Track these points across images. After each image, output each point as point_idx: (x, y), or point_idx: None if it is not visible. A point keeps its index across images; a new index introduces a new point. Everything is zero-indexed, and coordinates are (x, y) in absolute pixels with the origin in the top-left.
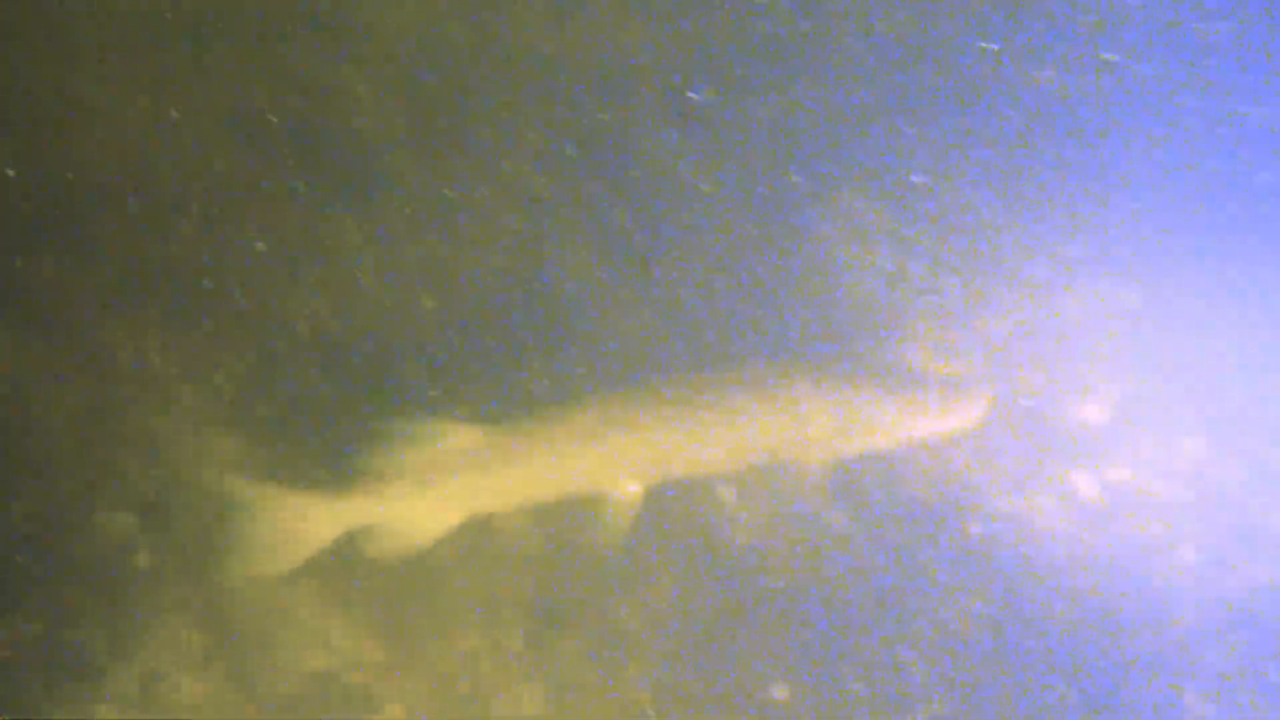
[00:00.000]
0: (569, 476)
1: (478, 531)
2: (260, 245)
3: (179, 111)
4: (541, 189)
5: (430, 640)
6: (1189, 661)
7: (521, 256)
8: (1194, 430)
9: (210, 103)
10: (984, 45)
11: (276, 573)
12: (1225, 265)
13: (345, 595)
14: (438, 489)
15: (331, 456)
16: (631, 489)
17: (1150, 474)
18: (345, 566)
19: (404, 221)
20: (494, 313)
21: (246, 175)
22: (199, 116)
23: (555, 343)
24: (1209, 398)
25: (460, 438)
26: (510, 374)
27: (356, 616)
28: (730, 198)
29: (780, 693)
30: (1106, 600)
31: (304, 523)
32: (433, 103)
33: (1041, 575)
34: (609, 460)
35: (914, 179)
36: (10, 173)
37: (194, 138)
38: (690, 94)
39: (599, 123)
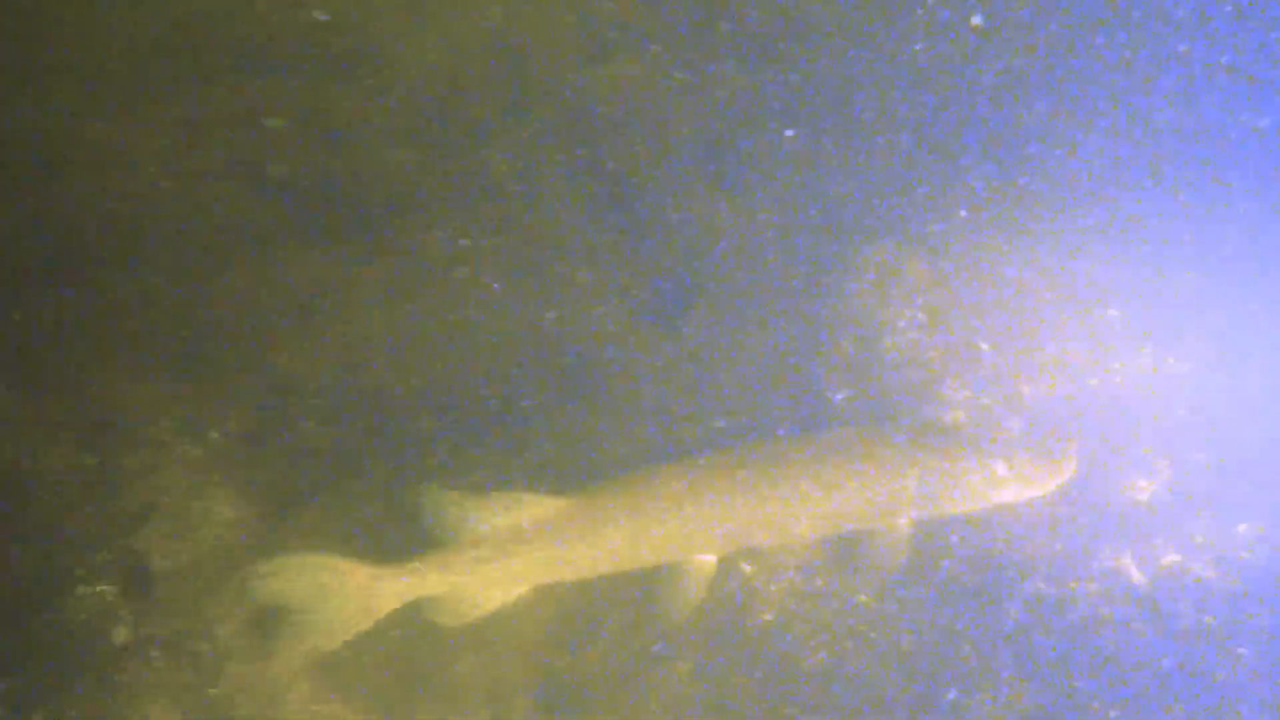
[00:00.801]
0: (644, 548)
1: (537, 603)
2: (279, 301)
3: (190, 161)
4: (568, 239)
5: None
6: None
7: (548, 310)
8: (1248, 514)
9: (223, 150)
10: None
11: (337, 646)
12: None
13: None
14: (509, 560)
15: (399, 526)
16: (706, 559)
17: (1202, 560)
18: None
19: (419, 275)
20: (531, 376)
21: (257, 226)
22: (210, 163)
23: (599, 401)
24: (1264, 478)
25: (537, 508)
26: (580, 440)
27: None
28: (763, 249)
29: None
30: (1158, 701)
31: (371, 597)
32: (454, 148)
33: (1084, 667)
34: (685, 531)
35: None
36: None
37: (205, 185)
38: (723, 152)
39: (629, 172)
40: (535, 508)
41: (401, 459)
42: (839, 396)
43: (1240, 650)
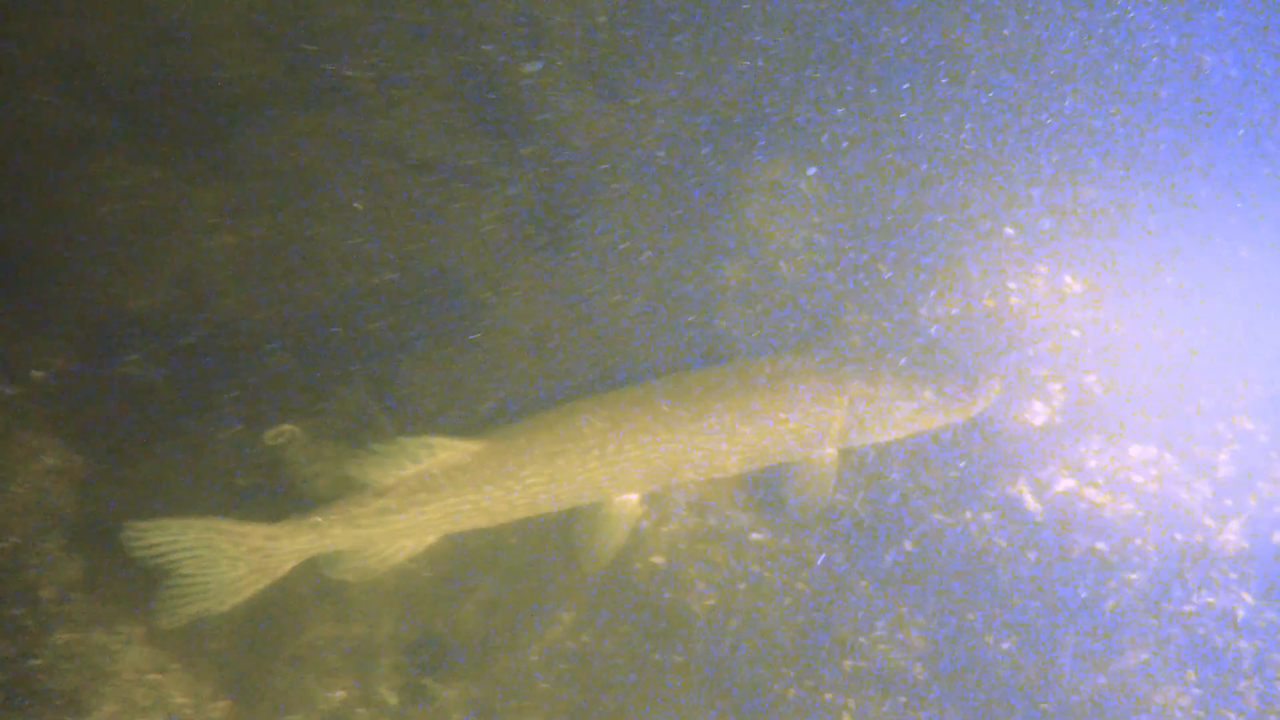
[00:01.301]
0: (564, 491)
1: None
2: (107, 222)
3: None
4: (438, 153)
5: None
6: (1136, 703)
7: (415, 230)
8: (1141, 437)
9: (41, 47)
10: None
11: (228, 609)
12: (1183, 257)
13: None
14: (419, 509)
15: (255, 477)
16: (629, 499)
17: (1095, 485)
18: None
19: (267, 194)
20: (397, 307)
21: (80, 135)
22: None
23: (474, 333)
24: (1157, 400)
25: (449, 452)
26: (452, 376)
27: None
28: (654, 163)
29: None
30: (1049, 631)
31: (267, 557)
32: (305, 53)
33: (980, 600)
34: (608, 472)
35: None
36: None
37: (16, 85)
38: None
39: (506, 77)
40: (447, 452)
41: (254, 401)
42: (735, 323)
43: (1131, 576)
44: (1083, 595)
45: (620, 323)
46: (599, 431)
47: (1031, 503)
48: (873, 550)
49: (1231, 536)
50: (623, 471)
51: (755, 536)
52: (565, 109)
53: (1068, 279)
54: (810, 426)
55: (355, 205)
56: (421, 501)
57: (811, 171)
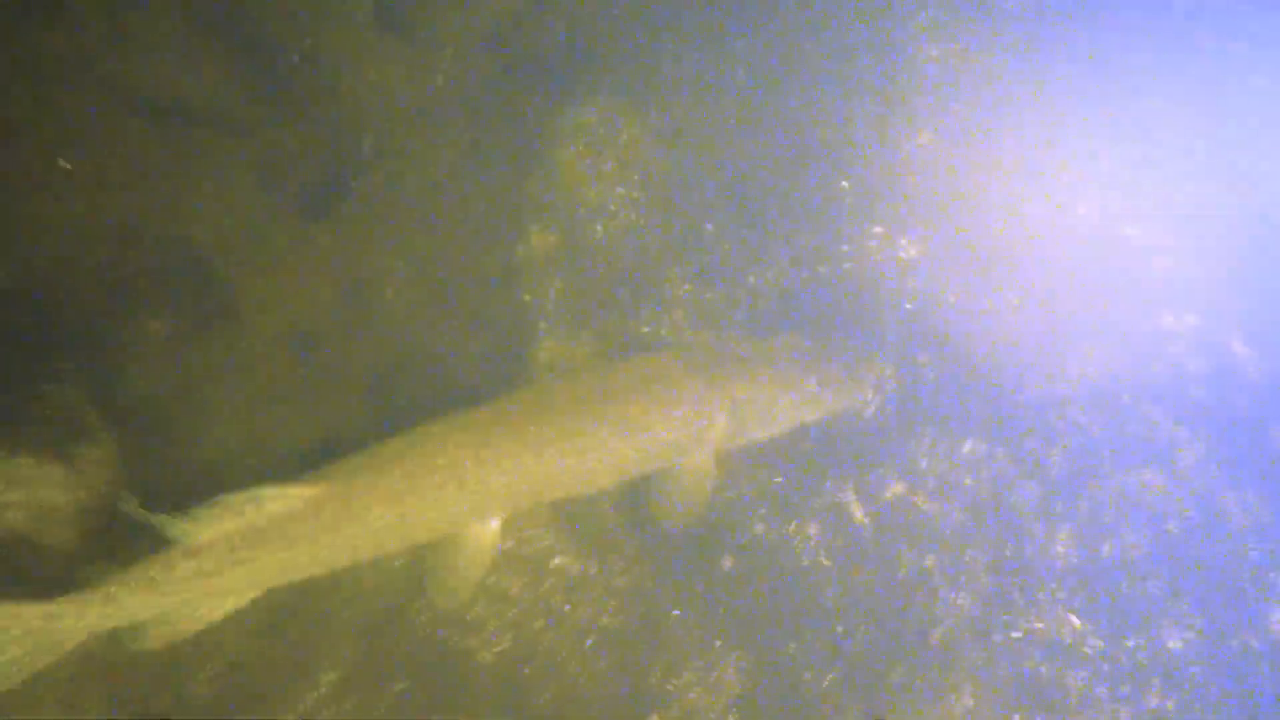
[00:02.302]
0: (414, 528)
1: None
2: None
3: None
4: (194, 102)
5: None
6: None
7: (161, 197)
8: (972, 429)
9: None
10: None
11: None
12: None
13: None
14: (242, 567)
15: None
16: (487, 527)
17: (925, 488)
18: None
19: None
20: (133, 289)
21: None
22: None
23: (230, 318)
24: (990, 386)
25: (278, 503)
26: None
27: None
28: (448, 111)
29: None
30: (874, 665)
31: (49, 635)
32: None
33: (803, 628)
34: (465, 502)
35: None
36: None
37: None
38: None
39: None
40: (277, 502)
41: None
42: (543, 298)
43: (959, 599)
44: (911, 620)
45: (407, 308)
46: (455, 462)
47: (858, 513)
48: (687, 569)
49: (1060, 547)
50: (483, 501)
51: (557, 561)
52: (340, 43)
53: (904, 243)
54: (689, 433)
55: (63, 164)
56: (245, 560)
57: (632, 122)
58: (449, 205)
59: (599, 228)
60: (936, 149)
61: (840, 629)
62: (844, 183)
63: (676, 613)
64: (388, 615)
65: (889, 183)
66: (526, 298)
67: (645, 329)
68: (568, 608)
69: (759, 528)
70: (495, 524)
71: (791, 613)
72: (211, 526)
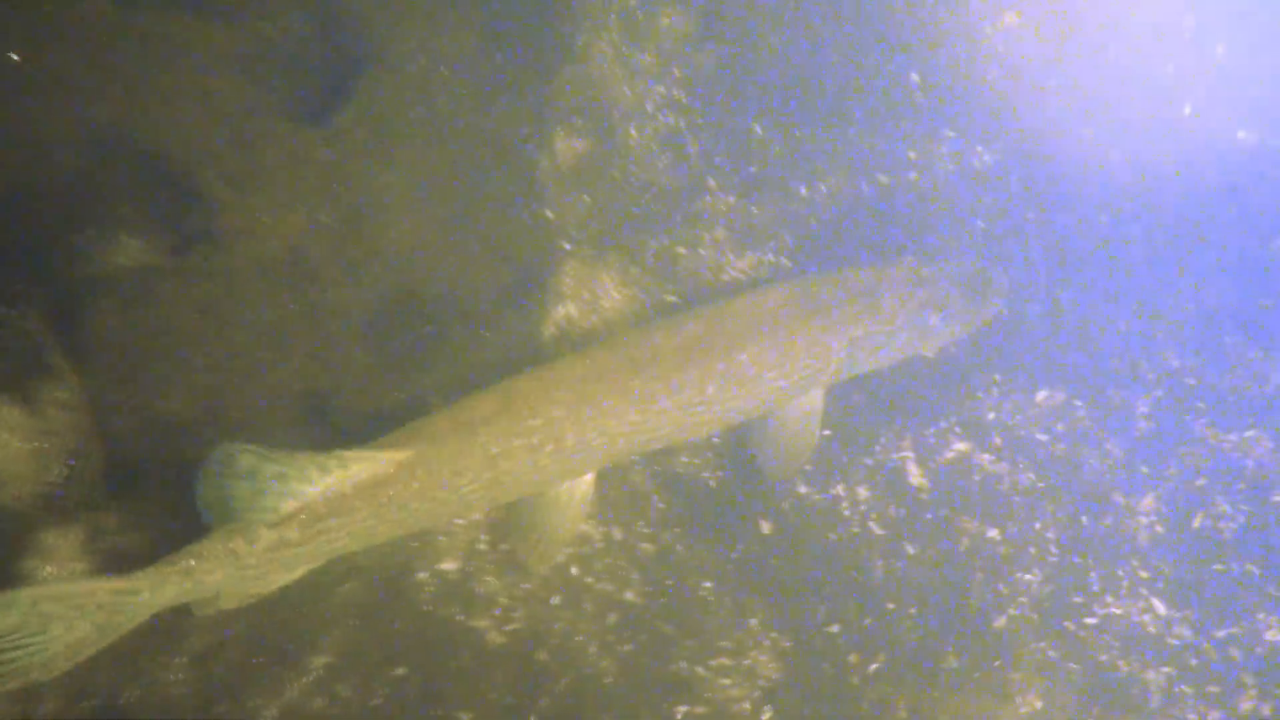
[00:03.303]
0: (505, 487)
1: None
2: None
3: None
4: None
5: None
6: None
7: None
8: (1049, 378)
9: None
10: None
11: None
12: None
13: None
14: (325, 537)
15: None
16: (582, 482)
17: (989, 445)
18: None
19: None
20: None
21: None
22: None
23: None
24: (1071, 331)
25: (365, 465)
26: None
27: None
28: None
29: None
30: (925, 655)
31: (115, 613)
32: None
33: (847, 606)
34: (563, 464)
35: None
36: None
37: None
38: None
39: None
40: (361, 464)
41: None
42: (570, 216)
43: (1027, 577)
44: (972, 601)
45: (415, 235)
46: (553, 422)
47: (915, 475)
48: (721, 535)
49: (1144, 518)
50: (582, 461)
51: (581, 529)
52: None
53: (978, 149)
54: (802, 377)
55: (11, 56)
56: (330, 529)
57: (674, 5)
58: (464, 109)
59: (633, 132)
60: (1023, 34)
61: (891, 608)
62: (913, 74)
63: (708, 584)
64: (387, 590)
65: (965, 77)
66: (549, 214)
67: (682, 250)
68: (588, 580)
69: (802, 489)
70: (589, 477)
71: (836, 588)
72: (291, 495)
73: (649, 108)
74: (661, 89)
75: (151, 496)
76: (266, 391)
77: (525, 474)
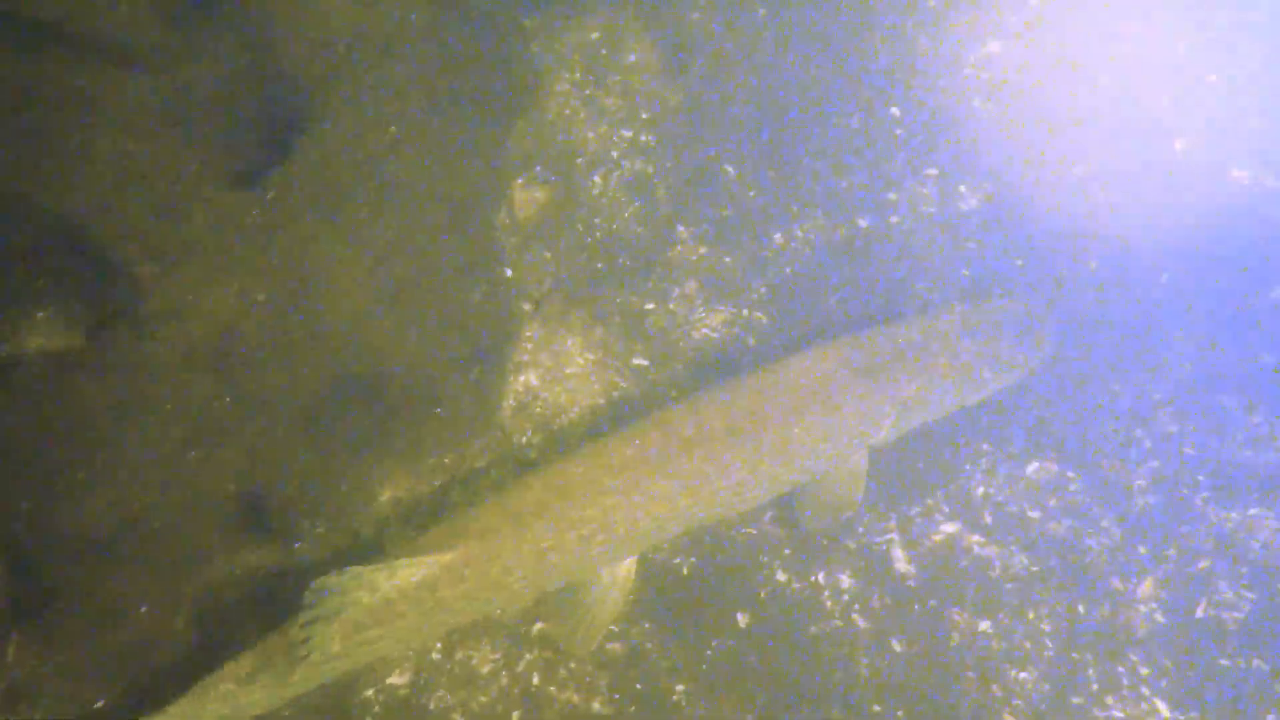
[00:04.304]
0: (553, 579)
1: None
2: None
3: None
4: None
5: None
6: None
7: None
8: (1042, 450)
9: None
10: None
11: None
12: None
13: None
14: (369, 647)
15: None
16: (623, 566)
17: (978, 527)
18: None
19: None
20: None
21: None
22: None
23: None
24: (1064, 398)
25: (410, 572)
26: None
27: None
28: (416, 43)
29: None
30: None
31: None
32: None
33: (830, 708)
34: (612, 550)
35: None
36: None
37: None
38: None
39: None
40: (410, 570)
41: None
42: (536, 267)
43: (1021, 676)
44: (963, 702)
45: (361, 308)
46: (605, 511)
47: (901, 560)
48: (696, 631)
49: (1143, 607)
50: (628, 545)
51: (540, 628)
52: None
53: (961, 189)
54: (852, 441)
55: None
56: (374, 639)
57: (640, 41)
58: (415, 166)
59: (597, 180)
60: (1007, 61)
61: (877, 710)
62: (893, 109)
63: (681, 688)
64: (334, 711)
65: (947, 109)
66: (508, 273)
67: (650, 305)
68: (551, 689)
69: (781, 576)
70: (631, 560)
71: (818, 688)
72: (343, 614)
73: (614, 154)
74: (628, 133)
75: (62, 626)
76: (195, 497)
77: (574, 564)
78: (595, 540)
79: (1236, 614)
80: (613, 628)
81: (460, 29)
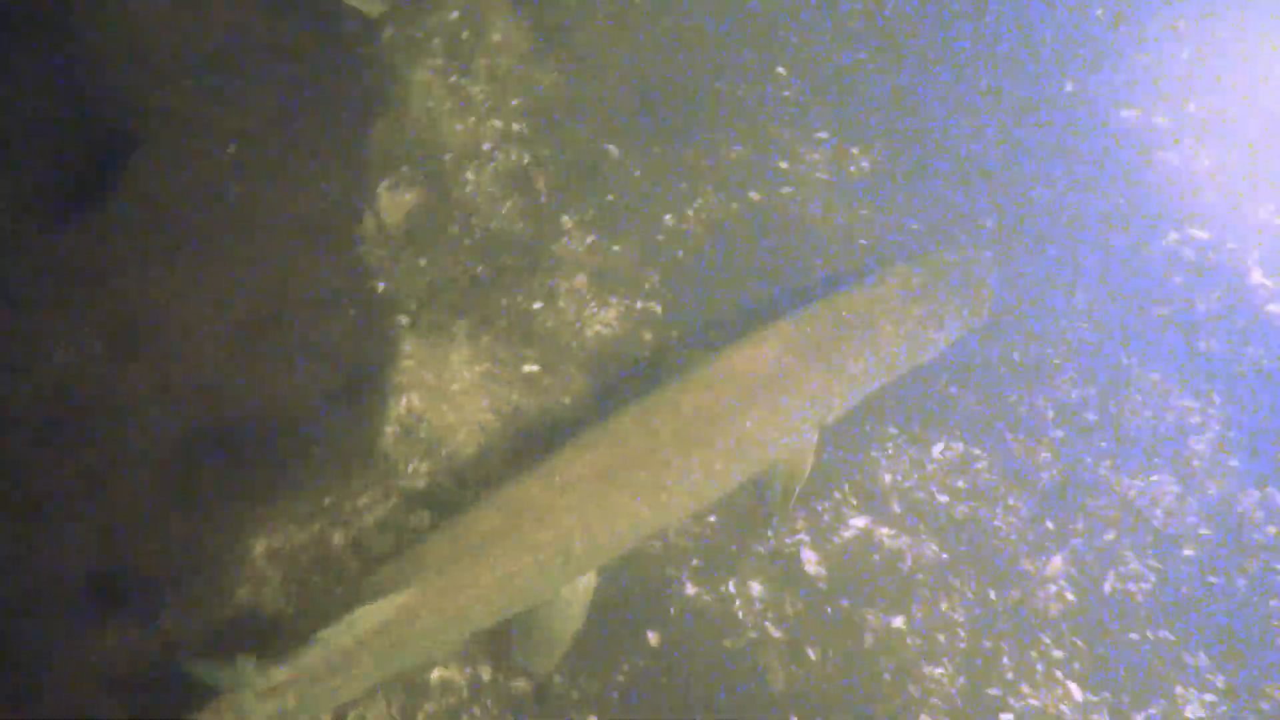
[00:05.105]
0: (515, 604)
1: None
2: None
3: None
4: None
5: None
6: None
7: None
8: (948, 432)
9: None
10: None
11: None
12: None
13: None
14: (334, 688)
15: None
16: (583, 582)
17: (891, 518)
18: None
19: None
20: None
21: None
22: None
23: None
24: (966, 369)
25: (372, 618)
26: None
27: None
28: None
29: None
30: None
31: None
32: None
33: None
34: (572, 571)
35: None
36: None
37: None
38: None
39: None
40: (371, 618)
41: None
42: (410, 277)
43: (936, 672)
44: (882, 705)
45: (208, 352)
46: (563, 531)
47: (812, 561)
48: (605, 656)
49: (1053, 586)
50: (588, 562)
51: (438, 676)
52: None
53: (854, 151)
54: (806, 423)
55: None
56: (328, 689)
57: (504, 15)
58: (262, 184)
59: (470, 176)
60: (899, 4)
61: None
62: (779, 68)
63: (591, 717)
64: None
65: (836, 67)
66: (380, 287)
67: (537, 304)
68: None
69: (690, 589)
70: (589, 575)
71: (734, 705)
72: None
73: (486, 146)
74: (498, 122)
75: None
76: (43, 583)
77: (534, 588)
78: (554, 563)
79: (1142, 586)
80: (519, 660)
81: (302, 29)
